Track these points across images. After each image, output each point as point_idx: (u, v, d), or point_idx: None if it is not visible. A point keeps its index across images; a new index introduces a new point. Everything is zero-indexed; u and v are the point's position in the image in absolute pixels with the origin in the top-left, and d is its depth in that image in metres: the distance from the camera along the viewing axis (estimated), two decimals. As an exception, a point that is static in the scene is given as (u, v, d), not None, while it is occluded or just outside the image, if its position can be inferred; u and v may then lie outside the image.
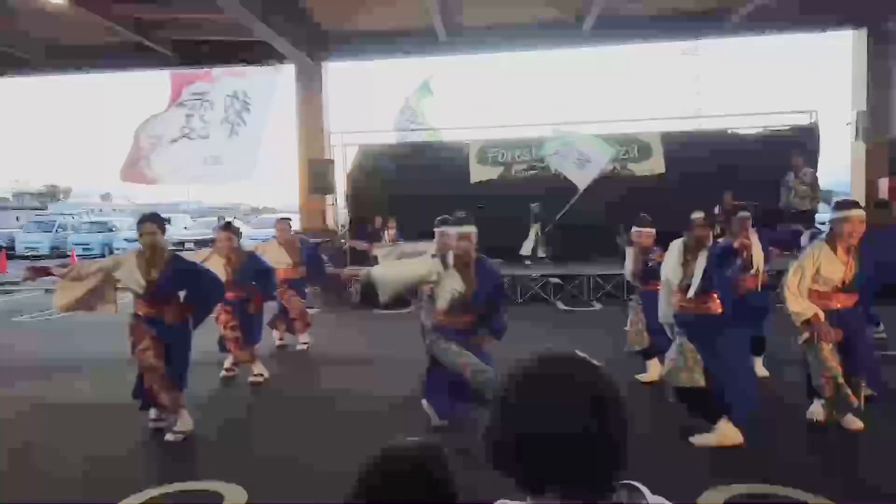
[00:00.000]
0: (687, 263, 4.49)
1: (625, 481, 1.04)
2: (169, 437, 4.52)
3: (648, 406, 4.86)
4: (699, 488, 3.45)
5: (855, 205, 4.32)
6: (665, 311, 4.69)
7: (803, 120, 12.58)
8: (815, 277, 4.27)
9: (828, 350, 4.19)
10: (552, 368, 1.04)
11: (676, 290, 4.53)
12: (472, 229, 4.55)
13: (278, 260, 7.04)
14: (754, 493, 3.44)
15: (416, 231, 13.23)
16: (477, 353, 4.48)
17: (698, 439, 4.18)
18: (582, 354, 1.06)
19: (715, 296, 4.38)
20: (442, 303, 4.56)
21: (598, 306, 10.21)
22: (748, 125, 13.14)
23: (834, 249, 4.25)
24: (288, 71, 13.41)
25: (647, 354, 5.78)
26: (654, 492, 1.07)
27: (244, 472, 3.89)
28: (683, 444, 4.19)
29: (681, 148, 12.62)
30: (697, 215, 4.52)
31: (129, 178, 9.35)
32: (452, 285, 4.50)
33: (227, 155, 9.17)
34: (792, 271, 4.29)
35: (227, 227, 6.29)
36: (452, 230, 4.67)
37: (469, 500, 1.19)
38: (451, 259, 4.56)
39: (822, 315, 4.16)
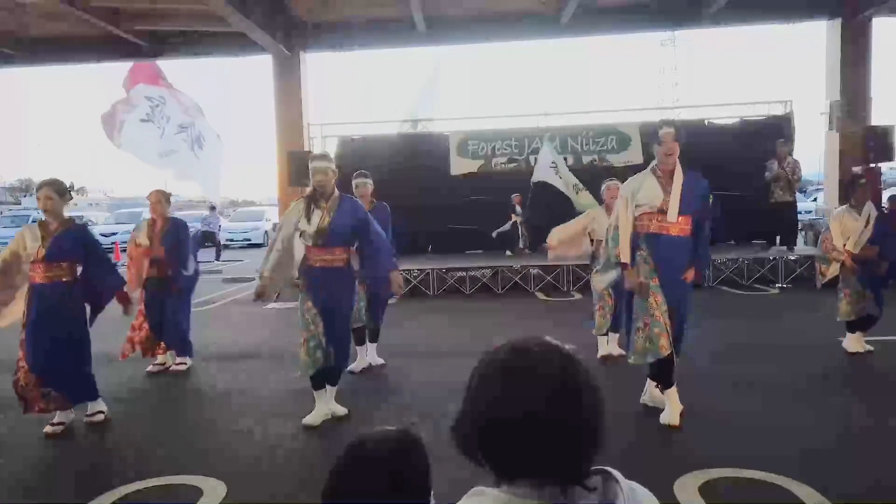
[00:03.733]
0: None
1: (599, 467, 1.05)
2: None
3: (624, 391, 4.89)
4: (675, 473, 3.50)
5: None
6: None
7: (779, 109, 12.73)
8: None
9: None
10: (522, 356, 1.03)
11: (655, 212, 4.44)
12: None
13: None
14: (729, 477, 3.50)
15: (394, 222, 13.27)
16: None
17: (664, 417, 4.35)
18: (552, 341, 1.06)
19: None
20: None
21: (577, 296, 10.28)
22: (725, 115, 13.27)
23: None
24: (265, 62, 13.30)
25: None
26: (629, 477, 1.08)
27: (223, 467, 3.88)
28: (659, 429, 4.25)
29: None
30: (668, 130, 4.45)
31: (105, 124, 9.35)
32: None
33: (195, 173, 9.35)
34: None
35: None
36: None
37: (444, 489, 1.19)
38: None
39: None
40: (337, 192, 4.68)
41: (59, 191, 4.73)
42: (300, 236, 4.61)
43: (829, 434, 4.16)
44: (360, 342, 6.05)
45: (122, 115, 8.95)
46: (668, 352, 4.31)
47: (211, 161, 9.31)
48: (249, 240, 24.09)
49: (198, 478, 3.70)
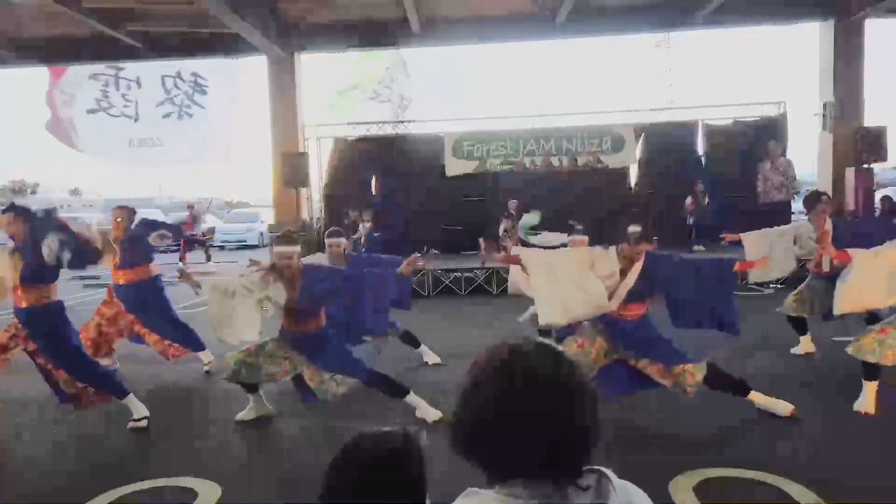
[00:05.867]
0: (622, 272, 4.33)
1: (592, 466, 1.06)
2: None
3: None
4: (669, 473, 3.50)
5: None
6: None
7: (772, 111, 12.78)
8: None
9: None
10: (516, 357, 1.04)
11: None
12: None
13: None
14: (723, 476, 3.51)
15: (390, 224, 13.33)
16: None
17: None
18: (546, 342, 1.07)
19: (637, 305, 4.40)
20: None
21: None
22: (719, 116, 13.30)
23: None
24: (260, 63, 13.30)
25: None
26: (623, 477, 1.09)
27: (218, 469, 3.87)
28: (653, 429, 4.25)
29: (654, 139, 12.75)
30: (635, 229, 4.33)
31: (55, 134, 8.72)
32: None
33: (169, 138, 8.70)
34: None
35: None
36: None
37: (439, 489, 1.19)
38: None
39: None
40: (301, 265, 4.44)
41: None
42: (263, 302, 4.40)
43: (824, 433, 4.18)
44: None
45: (62, 111, 8.30)
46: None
47: (208, 122, 8.67)
48: (244, 241, 23.98)
49: (192, 480, 3.69)
